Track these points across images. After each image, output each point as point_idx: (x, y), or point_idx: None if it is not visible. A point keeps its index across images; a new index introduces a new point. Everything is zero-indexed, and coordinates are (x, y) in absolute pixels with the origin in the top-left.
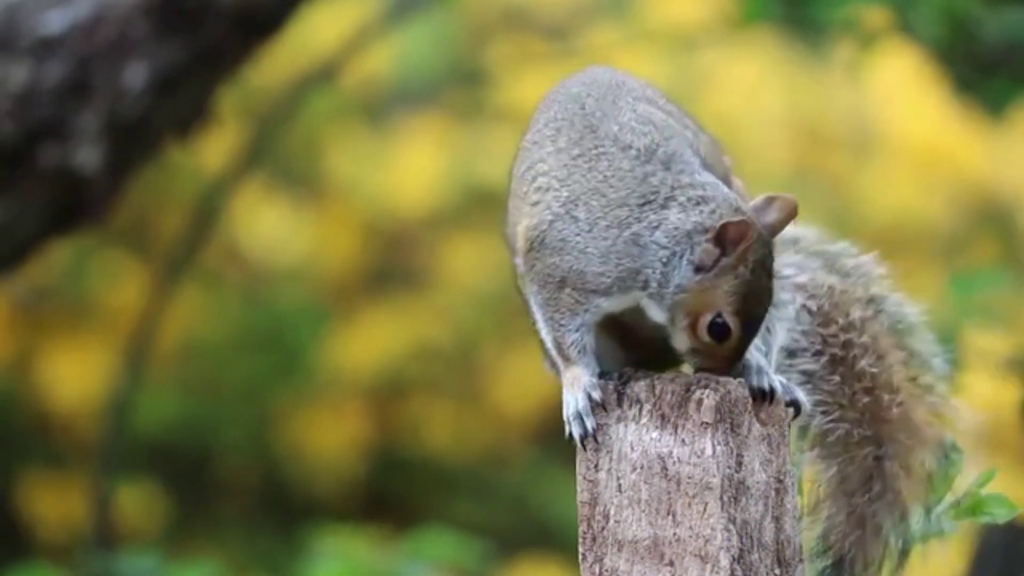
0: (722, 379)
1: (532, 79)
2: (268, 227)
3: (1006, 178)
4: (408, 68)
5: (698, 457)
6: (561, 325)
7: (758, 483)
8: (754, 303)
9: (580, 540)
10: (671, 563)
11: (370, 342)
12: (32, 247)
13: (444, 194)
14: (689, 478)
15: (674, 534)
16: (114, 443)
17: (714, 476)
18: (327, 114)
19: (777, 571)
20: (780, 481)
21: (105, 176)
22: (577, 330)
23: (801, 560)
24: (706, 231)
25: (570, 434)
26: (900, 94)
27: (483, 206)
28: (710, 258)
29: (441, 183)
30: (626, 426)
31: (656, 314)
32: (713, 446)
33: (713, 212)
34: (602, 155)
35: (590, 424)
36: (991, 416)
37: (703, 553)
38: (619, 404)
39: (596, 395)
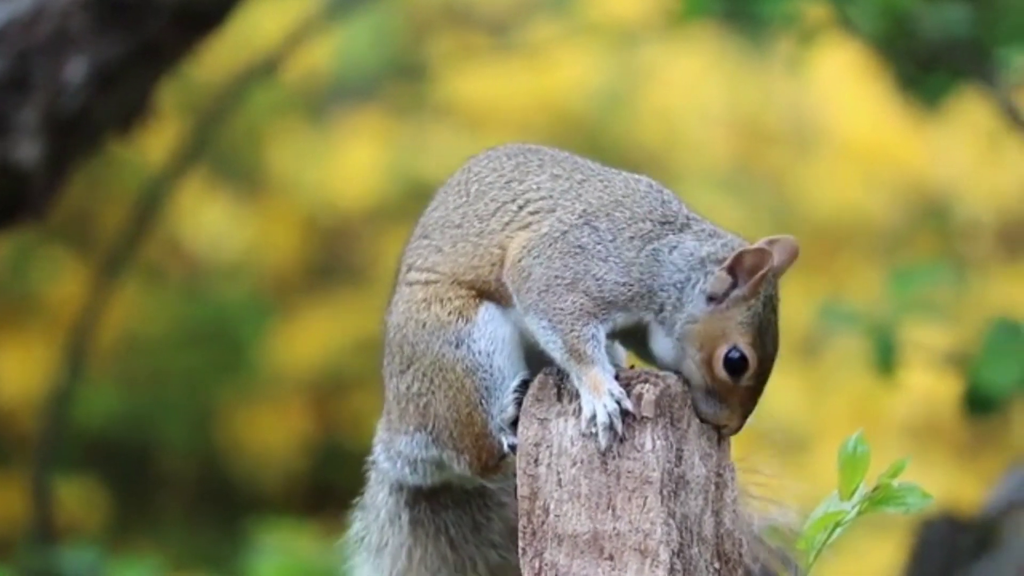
0: (661, 373)
1: (473, 74)
2: (209, 222)
3: (944, 173)
4: (349, 63)
5: (638, 451)
6: (575, 322)
7: (698, 477)
8: (768, 340)
9: (520, 534)
10: (611, 557)
11: (311, 337)
12: None
13: (385, 189)
14: (629, 472)
15: (614, 528)
16: (54, 438)
17: (654, 470)
18: (268, 109)
19: (716, 565)
20: (720, 475)
21: (45, 171)
22: (594, 327)
23: (741, 556)
24: (719, 261)
25: (606, 446)
26: (840, 89)
27: (424, 201)
28: (722, 287)
29: (382, 178)
30: (566, 421)
31: (661, 344)
32: (653, 440)
33: (725, 245)
34: (613, 178)
35: (620, 429)
36: (930, 410)
37: (643, 547)
38: (559, 399)
39: (625, 403)
